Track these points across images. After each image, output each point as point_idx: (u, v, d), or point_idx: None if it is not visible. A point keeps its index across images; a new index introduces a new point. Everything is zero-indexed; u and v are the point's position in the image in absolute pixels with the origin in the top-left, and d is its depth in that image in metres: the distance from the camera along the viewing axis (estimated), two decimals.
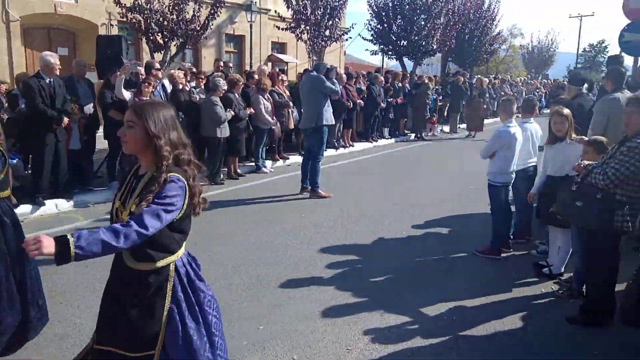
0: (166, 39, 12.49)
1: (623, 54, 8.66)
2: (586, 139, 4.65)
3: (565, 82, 8.93)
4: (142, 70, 8.31)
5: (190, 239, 2.42)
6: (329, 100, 8.03)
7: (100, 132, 8.19)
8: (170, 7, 12.34)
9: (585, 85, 6.82)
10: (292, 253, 5.55)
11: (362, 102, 12.72)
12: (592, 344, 3.77)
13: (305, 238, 6.06)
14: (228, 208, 7.31)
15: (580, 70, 7.88)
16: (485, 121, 21.38)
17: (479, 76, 17.34)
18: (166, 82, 9.10)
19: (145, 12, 12.02)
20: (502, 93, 20.22)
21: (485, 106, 17.05)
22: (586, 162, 3.97)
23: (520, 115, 6.18)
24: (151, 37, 12.41)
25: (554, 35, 43.49)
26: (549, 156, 5.02)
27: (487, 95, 18.81)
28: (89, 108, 7.62)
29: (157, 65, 8.45)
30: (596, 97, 6.44)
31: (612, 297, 3.90)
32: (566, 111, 4.92)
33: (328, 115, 7.91)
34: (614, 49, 9.43)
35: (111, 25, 15.80)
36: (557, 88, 7.90)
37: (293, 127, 10.72)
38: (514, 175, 5.53)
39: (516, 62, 49.30)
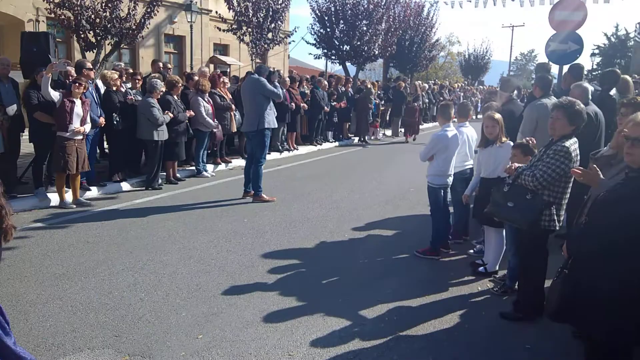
0: (99, 38, 12.00)
1: (550, 62, 9.15)
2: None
3: (497, 89, 9.37)
4: (72, 70, 7.95)
5: (126, 247, 2.32)
6: (271, 104, 7.99)
7: (25, 135, 7.77)
8: (103, 4, 11.87)
9: (515, 92, 7.15)
10: (234, 259, 5.45)
11: (306, 105, 12.77)
12: (524, 338, 3.93)
13: (247, 243, 5.97)
14: (166, 214, 7.11)
15: (511, 77, 8.24)
16: (425, 125, 22.13)
17: (417, 82, 17.77)
18: (100, 82, 8.78)
19: (76, 8, 11.49)
20: (441, 98, 20.99)
21: (419, 111, 17.41)
22: (516, 165, 4.13)
23: (456, 119, 6.35)
24: (82, 35, 11.89)
25: (489, 43, 45.73)
26: (482, 159, 5.20)
27: (422, 100, 19.42)
28: (12, 109, 7.19)
29: (89, 65, 8.09)
30: (525, 103, 6.63)
31: (542, 293, 4.06)
32: (497, 115, 5.12)
33: (270, 119, 7.87)
34: (542, 58, 10.08)
35: (38, 21, 15.05)
36: (489, 94, 8.19)
37: (236, 130, 10.61)
38: (452, 177, 5.68)
39: (454, 68, 51.33)
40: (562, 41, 8.86)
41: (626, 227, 2.56)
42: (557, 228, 3.99)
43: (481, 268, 5.20)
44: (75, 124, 7.01)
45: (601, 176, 3.16)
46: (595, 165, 3.26)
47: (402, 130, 17.62)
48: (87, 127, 7.26)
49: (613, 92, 6.67)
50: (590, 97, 5.80)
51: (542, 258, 4.12)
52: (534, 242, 4.06)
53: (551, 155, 3.80)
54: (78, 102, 7.07)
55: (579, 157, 3.87)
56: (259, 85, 7.77)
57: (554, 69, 9.30)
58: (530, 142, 4.45)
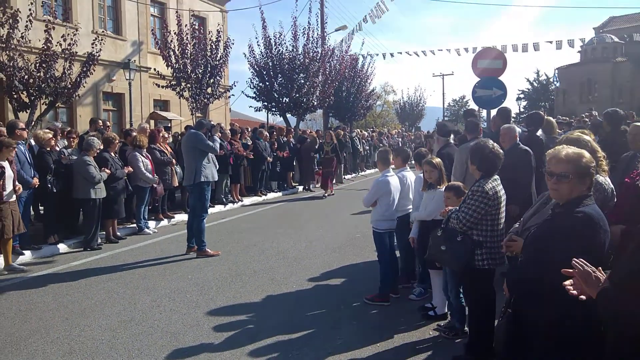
0: (32, 98, 11.64)
1: (478, 107, 9.61)
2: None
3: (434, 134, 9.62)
4: (3, 130, 7.60)
5: (61, 313, 2.13)
6: (210, 157, 7.93)
7: None
8: (37, 65, 11.59)
9: (452, 136, 7.25)
10: (177, 318, 5.17)
11: (250, 154, 12.86)
12: None
13: (191, 301, 5.71)
14: (106, 275, 6.75)
15: (447, 123, 8.65)
16: (368, 171, 22.60)
17: (331, 131, 17.79)
18: (33, 142, 8.43)
19: (8, 69, 11.16)
20: (381, 145, 21.56)
21: (335, 161, 16.48)
22: (449, 208, 4.19)
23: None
24: (15, 96, 11.50)
25: (421, 91, 47.89)
26: (423, 202, 5.28)
27: (362, 147, 20.11)
28: None
29: (21, 125, 7.78)
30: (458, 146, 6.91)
31: (492, 333, 3.95)
32: (436, 160, 5.23)
33: (208, 172, 7.79)
34: (473, 103, 10.79)
35: None
36: (427, 137, 8.43)
37: (177, 184, 10.41)
38: (395, 222, 5.68)
39: (391, 116, 53.26)
40: (486, 87, 9.34)
41: (557, 263, 2.52)
42: (492, 267, 3.97)
43: (431, 312, 5.16)
44: (9, 187, 6.66)
45: (520, 244, 3.13)
46: (513, 236, 3.32)
47: (346, 177, 17.79)
48: (20, 188, 6.89)
49: (539, 132, 6.93)
50: (518, 138, 6.01)
51: (487, 298, 4.06)
52: (475, 283, 4.04)
53: (470, 197, 3.88)
54: (6, 164, 6.72)
55: (500, 195, 3.90)
56: (196, 139, 7.75)
57: (484, 113, 9.74)
58: (461, 184, 4.59)
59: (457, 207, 4.05)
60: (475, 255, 3.89)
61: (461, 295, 4.69)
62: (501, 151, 4.01)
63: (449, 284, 4.77)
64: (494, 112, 9.15)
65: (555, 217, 2.75)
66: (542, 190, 4.27)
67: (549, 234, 2.69)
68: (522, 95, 56.70)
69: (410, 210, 5.91)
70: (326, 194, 14.75)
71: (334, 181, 16.13)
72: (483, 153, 3.93)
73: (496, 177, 3.97)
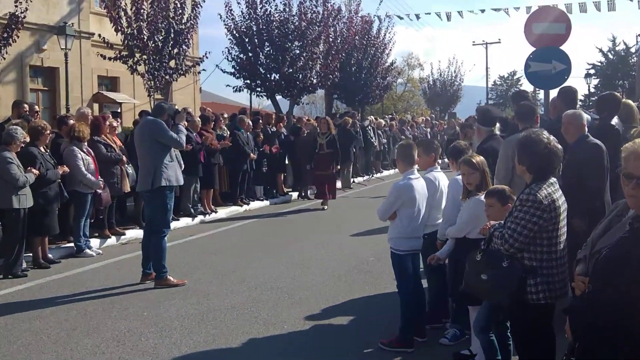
0: None
1: (532, 87, 9.62)
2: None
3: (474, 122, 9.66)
4: None
5: None
6: (174, 153, 7.96)
7: None
8: None
9: (498, 125, 7.17)
10: None
11: (229, 143, 12.97)
12: None
13: (147, 347, 5.70)
14: (33, 311, 6.74)
15: (491, 107, 8.63)
16: (385, 172, 22.55)
17: (326, 117, 17.26)
18: None
19: None
20: (402, 137, 21.50)
21: (333, 159, 15.94)
22: (492, 223, 4.19)
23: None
24: None
25: (457, 65, 47.13)
26: (460, 214, 5.26)
27: (379, 140, 20.36)
28: None
29: None
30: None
31: None
32: (478, 159, 5.16)
33: (171, 173, 7.82)
34: (526, 82, 10.85)
35: None
36: (464, 127, 8.44)
37: (129, 190, 10.43)
38: (421, 240, 5.65)
39: (417, 98, 53.10)
40: (544, 60, 9.31)
41: (637, 298, 2.56)
42: (550, 300, 3.97)
43: None
44: None
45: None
46: (580, 277, 3.32)
47: (355, 180, 17.66)
48: None
49: (615, 120, 6.92)
50: (586, 128, 6.01)
51: (543, 343, 4.06)
52: (525, 323, 4.04)
53: (518, 208, 3.88)
54: None
55: (558, 204, 3.92)
56: (154, 130, 7.76)
57: (541, 95, 9.73)
58: (507, 188, 4.59)
59: (502, 222, 4.05)
60: (527, 287, 3.88)
61: (491, 334, 4.71)
62: (560, 147, 4.02)
63: (481, 318, 4.77)
64: (553, 93, 9.01)
65: (634, 233, 2.73)
66: (618, 198, 4.36)
67: (626, 257, 2.65)
68: (592, 71, 56.52)
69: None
70: (325, 206, 14.40)
71: (337, 186, 15.68)
72: (535, 149, 3.94)
73: (553, 180, 3.99)
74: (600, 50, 57.54)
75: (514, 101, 8.70)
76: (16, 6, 12.85)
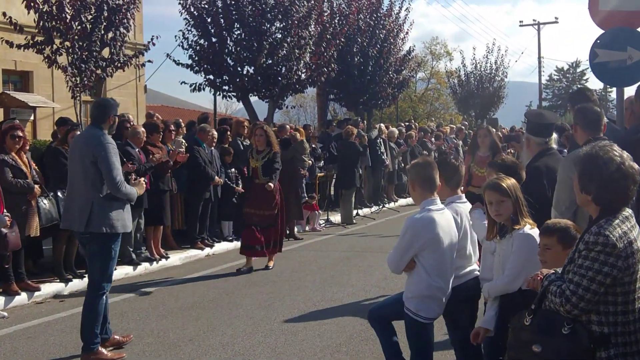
0: None
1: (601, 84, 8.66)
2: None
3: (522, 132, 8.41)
4: None
5: None
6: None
7: None
8: None
9: (555, 137, 6.92)
10: None
11: (184, 155, 11.29)
12: None
13: None
14: None
15: (545, 112, 8.67)
16: (400, 201, 20.66)
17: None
18: None
19: None
20: (424, 152, 19.39)
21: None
22: (544, 271, 3.91)
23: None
24: None
25: (500, 54, 39.80)
26: (494, 259, 4.98)
27: (388, 157, 18.21)
28: None
29: None
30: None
31: None
32: (507, 182, 4.89)
33: (115, 216, 6.91)
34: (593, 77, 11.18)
35: None
36: (508, 140, 7.57)
37: (38, 233, 9.20)
38: (447, 298, 5.20)
39: (444, 99, 49.18)
40: (616, 47, 8.52)
41: None
42: None
43: None
44: None
45: None
46: None
47: (360, 212, 16.12)
48: None
49: None
50: None
51: None
52: None
53: (584, 254, 3.56)
54: None
55: (638, 246, 3.61)
56: (94, 149, 6.76)
57: (613, 93, 8.53)
58: (571, 224, 4.40)
59: (559, 270, 3.82)
60: (596, 359, 3.55)
61: None
62: (638, 167, 3.70)
63: None
64: (630, 91, 8.16)
65: None
66: None
67: None
68: None
69: (475, 275, 5.42)
70: (270, 264, 11.18)
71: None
72: (604, 172, 3.59)
73: (628, 213, 3.64)
74: None
75: (571, 101, 8.26)
76: None
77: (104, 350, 6.86)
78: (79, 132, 9.33)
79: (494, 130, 8.79)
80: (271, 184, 10.43)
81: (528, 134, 6.65)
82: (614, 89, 8.92)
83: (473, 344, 5.13)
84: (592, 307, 3.55)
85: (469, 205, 5.61)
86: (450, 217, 5.19)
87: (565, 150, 7.18)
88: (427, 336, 5.13)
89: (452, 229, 5.11)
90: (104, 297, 6.97)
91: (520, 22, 50.15)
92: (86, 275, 9.36)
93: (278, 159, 10.86)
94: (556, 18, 49.13)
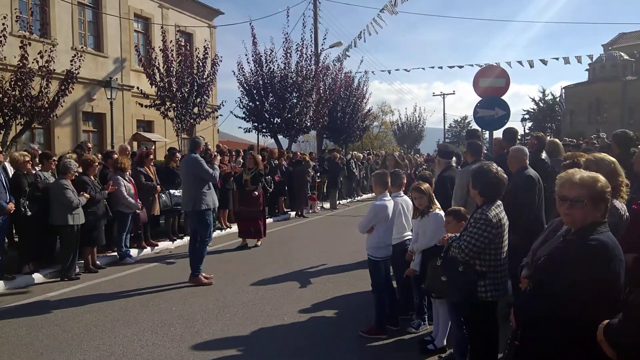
0: (7, 118, 11.72)
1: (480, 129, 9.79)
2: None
3: (435, 156, 9.62)
4: None
5: (35, 348, 2.19)
6: (209, 183, 8.06)
7: None
8: (12, 83, 11.69)
9: (454, 159, 7.35)
10: (160, 353, 5.18)
11: (239, 168, 12.56)
12: None
13: (175, 335, 5.72)
14: (84, 307, 6.74)
15: (448, 144, 8.70)
16: (363, 196, 22.54)
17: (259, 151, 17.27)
18: (8, 165, 8.49)
19: None
20: (377, 168, 21.68)
21: (262, 199, 16.04)
22: (449, 235, 4.21)
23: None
24: None
25: (421, 111, 48.20)
26: (418, 230, 5.40)
27: (357, 170, 20.57)
28: None
29: None
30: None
31: None
32: (424, 186, 5.39)
33: (208, 199, 7.95)
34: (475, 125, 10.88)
35: None
36: (427, 161, 8.53)
37: (158, 212, 10.46)
38: (391, 248, 5.73)
39: (389, 137, 53.62)
40: (488, 107, 9.44)
41: (570, 292, 2.61)
42: (496, 298, 4.02)
43: (430, 345, 5.17)
44: None
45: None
46: (526, 280, 3.31)
47: (341, 202, 17.63)
48: None
49: (543, 155, 6.98)
50: (527, 161, 6.00)
51: (490, 331, 4.11)
52: (477, 316, 4.06)
53: (472, 224, 3.90)
54: None
55: (503, 222, 3.96)
56: (194, 165, 7.85)
57: (487, 135, 9.88)
58: (462, 208, 4.68)
59: (458, 235, 4.09)
60: (478, 287, 3.91)
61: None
62: (505, 176, 4.08)
63: (449, 314, 4.80)
64: (496, 134, 9.28)
65: (567, 244, 2.77)
66: (551, 216, 4.49)
67: (559, 262, 2.71)
68: (527, 116, 57.32)
69: (407, 238, 5.89)
70: (258, 243, 11.13)
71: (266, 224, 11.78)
72: (487, 177, 3.98)
73: (499, 202, 4.02)
74: (533, 100, 58.45)
75: (466, 138, 8.74)
76: (71, 64, 12.93)
77: (202, 277, 7.87)
78: (179, 155, 10.51)
79: (399, 154, 8.82)
80: (256, 192, 10.75)
81: (438, 157, 7.39)
82: (487, 132, 9.81)
83: (405, 278, 5.75)
84: (476, 256, 3.89)
85: (406, 198, 6.06)
86: (393, 204, 5.74)
87: (459, 167, 7.20)
88: (380, 270, 5.63)
89: (394, 211, 5.72)
90: (206, 246, 8.00)
91: (433, 93, 56.30)
92: (179, 239, 10.92)
93: (262, 173, 11.30)
94: (454, 91, 56.43)
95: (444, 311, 5.10)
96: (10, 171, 8.37)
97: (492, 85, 9.56)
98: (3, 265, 7.82)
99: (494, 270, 3.93)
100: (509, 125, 8.97)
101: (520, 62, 22.59)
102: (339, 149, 22.95)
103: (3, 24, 11.60)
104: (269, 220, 14.56)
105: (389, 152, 7.85)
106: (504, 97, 9.60)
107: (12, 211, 7.64)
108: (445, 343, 5.15)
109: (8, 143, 11.61)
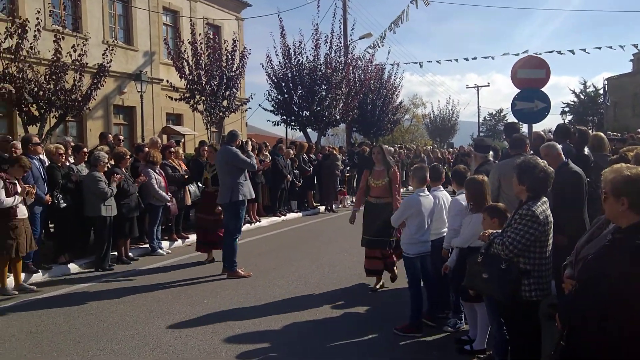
0: (42, 111, 12.07)
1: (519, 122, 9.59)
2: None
3: (472, 149, 9.48)
4: (18, 145, 8.00)
5: (73, 336, 2.29)
6: (246, 173, 8.11)
7: None
8: (47, 76, 12.03)
9: (491, 153, 7.16)
10: (194, 345, 5.29)
11: (269, 163, 13.01)
12: None
13: (207, 327, 5.83)
14: (117, 297, 6.93)
15: (484, 138, 8.35)
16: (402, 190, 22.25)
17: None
18: (45, 157, 8.75)
19: (18, 81, 11.61)
20: (416, 161, 21.37)
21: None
22: (490, 231, 4.12)
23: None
24: (24, 109, 11.94)
25: (454, 104, 47.37)
26: (463, 227, 5.20)
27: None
28: None
29: (36, 139, 8.18)
30: None
31: None
32: (480, 178, 5.12)
33: (245, 190, 8.01)
34: (512, 117, 10.52)
35: None
36: (462, 155, 8.38)
37: (190, 203, 10.54)
38: (428, 245, 5.63)
39: (421, 131, 53.16)
40: (527, 99, 9.14)
41: (618, 291, 2.56)
42: (540, 298, 3.95)
43: (467, 346, 5.09)
44: (21, 204, 7.06)
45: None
46: (569, 280, 3.23)
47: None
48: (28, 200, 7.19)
49: (586, 150, 6.85)
50: (563, 156, 5.90)
51: (532, 332, 4.04)
52: (519, 316, 3.99)
53: (517, 221, 3.83)
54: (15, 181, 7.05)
55: (550, 219, 3.91)
56: (230, 156, 7.89)
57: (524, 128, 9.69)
58: (500, 205, 4.56)
59: (499, 231, 4.01)
60: (521, 286, 3.84)
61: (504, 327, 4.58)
62: (552, 170, 4.00)
63: (488, 315, 4.68)
64: (535, 127, 9.16)
65: (616, 242, 2.72)
66: (594, 213, 4.44)
67: (608, 261, 2.66)
68: (567, 109, 56.04)
69: (444, 234, 5.70)
70: (211, 258, 9.06)
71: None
72: (534, 172, 3.90)
73: (545, 199, 3.95)
74: (573, 92, 57.09)
75: (506, 132, 8.69)
76: (103, 58, 13.23)
77: (239, 270, 7.96)
78: (206, 147, 10.11)
79: (390, 148, 8.49)
80: (219, 207, 8.41)
81: (475, 151, 7.10)
82: (525, 125, 9.58)
83: (442, 275, 5.50)
84: (520, 253, 3.82)
85: (445, 193, 6.05)
86: (431, 200, 5.66)
87: (496, 161, 7.02)
88: (416, 267, 5.58)
89: (429, 207, 5.60)
90: (237, 239, 8.05)
91: (467, 85, 55.00)
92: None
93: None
94: (488, 83, 55.39)
95: (482, 313, 4.97)
96: (46, 163, 8.62)
97: (531, 77, 9.21)
98: (40, 255, 8.10)
99: (538, 269, 3.87)
100: (548, 119, 9.05)
101: (560, 52, 22.16)
102: (369, 142, 22.56)
103: (37, 19, 11.91)
104: (297, 215, 14.87)
105: (376, 145, 7.44)
106: (544, 89, 9.27)
107: (49, 203, 7.91)
108: (485, 346, 5.02)
109: (43, 136, 11.94)
